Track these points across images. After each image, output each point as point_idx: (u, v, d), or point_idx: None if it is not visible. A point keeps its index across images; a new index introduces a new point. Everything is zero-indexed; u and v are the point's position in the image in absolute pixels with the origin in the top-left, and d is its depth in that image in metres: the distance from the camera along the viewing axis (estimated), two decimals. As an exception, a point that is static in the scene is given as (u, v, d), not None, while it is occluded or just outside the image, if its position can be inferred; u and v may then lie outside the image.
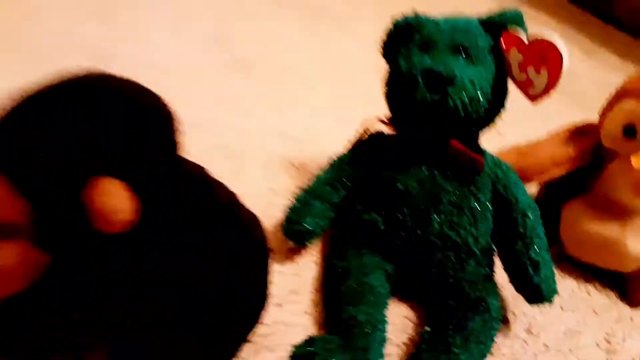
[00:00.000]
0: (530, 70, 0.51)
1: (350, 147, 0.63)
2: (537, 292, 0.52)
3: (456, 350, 0.48)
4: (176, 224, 0.40)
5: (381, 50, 0.60)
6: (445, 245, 0.53)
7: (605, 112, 0.60)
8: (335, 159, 0.62)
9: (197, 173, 0.46)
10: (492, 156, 0.58)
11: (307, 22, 1.22)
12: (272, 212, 0.66)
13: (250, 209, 0.54)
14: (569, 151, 0.62)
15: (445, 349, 0.48)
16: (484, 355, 0.50)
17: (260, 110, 0.87)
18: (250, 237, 0.48)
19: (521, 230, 0.54)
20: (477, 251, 0.54)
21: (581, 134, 0.64)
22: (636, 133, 0.56)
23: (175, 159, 0.39)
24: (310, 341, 0.48)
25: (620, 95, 0.58)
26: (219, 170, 0.71)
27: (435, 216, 0.53)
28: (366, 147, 0.60)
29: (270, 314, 0.54)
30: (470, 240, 0.54)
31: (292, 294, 0.57)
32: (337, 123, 0.87)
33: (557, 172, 0.62)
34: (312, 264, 0.61)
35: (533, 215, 0.54)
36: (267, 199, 0.68)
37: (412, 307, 0.58)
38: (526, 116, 0.97)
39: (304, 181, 0.72)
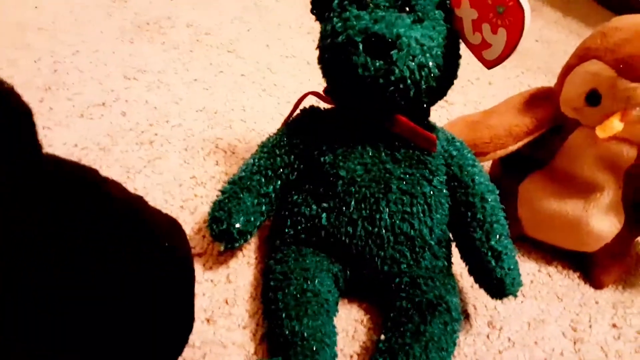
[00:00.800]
0: (486, 29, 0.43)
1: (282, 126, 0.54)
2: (500, 287, 0.46)
3: (416, 361, 0.41)
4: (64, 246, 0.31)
5: (311, 5, 0.51)
6: (398, 239, 0.46)
7: (564, 75, 0.54)
8: (266, 140, 0.53)
9: (79, 177, 0.36)
10: (444, 132, 0.51)
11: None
12: (196, 206, 0.58)
13: (162, 212, 0.45)
14: (526, 121, 0.56)
15: (404, 362, 0.41)
16: (449, 357, 0.43)
17: (175, 83, 0.76)
18: (165, 249, 0.38)
19: (480, 216, 0.47)
20: (433, 243, 0.47)
21: (540, 100, 0.57)
22: (600, 99, 0.49)
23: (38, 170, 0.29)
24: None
25: (582, 55, 0.52)
26: (132, 158, 0.62)
27: (385, 206, 0.46)
28: (300, 125, 0.52)
29: (200, 333, 0.46)
30: (425, 231, 0.47)
31: (226, 305, 0.49)
32: (266, 94, 0.78)
33: (514, 146, 0.56)
34: (247, 266, 0.53)
35: (492, 199, 0.48)
36: (190, 191, 0.59)
37: (365, 309, 0.51)
38: (477, 82, 0.92)
39: (232, 167, 0.64)
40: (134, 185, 0.58)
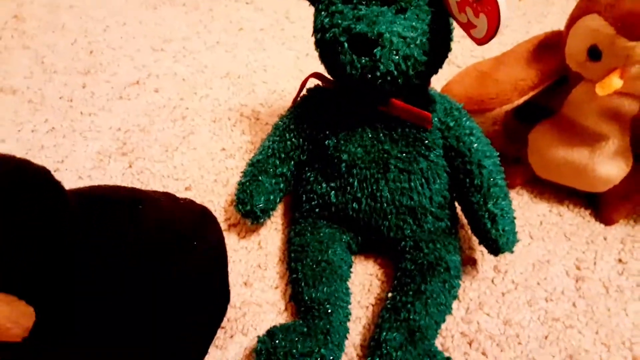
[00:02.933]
0: (469, 12, 0.44)
1: (291, 107, 0.58)
2: (495, 246, 0.51)
3: (416, 317, 0.48)
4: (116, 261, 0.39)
5: None
6: (399, 210, 0.51)
7: (569, 26, 0.53)
8: (277, 123, 0.58)
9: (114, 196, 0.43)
10: (442, 103, 0.53)
11: None
12: (228, 179, 0.65)
13: (193, 204, 0.52)
14: (531, 75, 0.56)
15: (405, 317, 0.48)
16: (445, 315, 0.50)
17: (199, 49, 0.80)
18: (192, 249, 0.46)
19: (477, 182, 0.51)
20: (434, 209, 0.52)
21: (547, 50, 0.57)
22: (601, 55, 0.49)
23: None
24: (271, 335, 0.48)
25: (584, 8, 0.50)
26: (169, 136, 0.69)
27: (385, 184, 0.50)
28: (306, 109, 0.56)
29: (239, 295, 0.55)
30: (425, 201, 0.51)
31: (259, 269, 0.57)
32: (285, 48, 0.80)
33: (519, 100, 0.57)
34: (275, 232, 0.60)
35: (490, 164, 0.51)
36: (222, 164, 0.66)
37: (380, 264, 0.58)
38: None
39: (257, 135, 0.69)
40: (173, 163, 0.66)
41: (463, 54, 0.77)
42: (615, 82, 0.48)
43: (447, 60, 0.51)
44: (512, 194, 0.63)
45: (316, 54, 0.51)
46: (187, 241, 0.45)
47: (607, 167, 0.56)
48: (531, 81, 0.56)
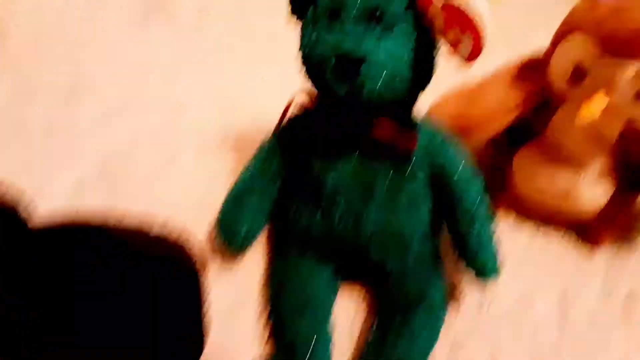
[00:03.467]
0: (455, 32, 0.43)
1: (276, 129, 0.57)
2: (482, 271, 0.50)
3: (400, 353, 0.46)
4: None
5: (290, 7, 0.52)
6: (384, 238, 0.50)
7: (553, 44, 0.52)
8: (262, 145, 0.57)
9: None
10: (427, 126, 0.52)
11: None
12: (212, 205, 0.63)
13: (165, 238, 0.50)
14: (516, 97, 0.55)
15: (389, 353, 0.46)
16: (430, 350, 0.48)
17: (185, 70, 0.79)
18: (177, 279, 0.44)
19: (462, 207, 0.50)
20: (419, 235, 0.51)
21: (529, 72, 0.56)
22: (585, 75, 0.48)
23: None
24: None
25: (567, 27, 0.50)
26: (152, 162, 0.67)
27: (371, 209, 0.49)
28: (289, 131, 0.55)
29: (216, 334, 0.51)
30: (410, 228, 0.50)
31: (237, 306, 0.54)
32: (272, 68, 0.79)
33: (504, 122, 0.56)
34: (255, 264, 0.58)
35: (475, 189, 0.50)
36: (206, 190, 0.64)
37: (364, 293, 0.55)
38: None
39: (243, 159, 0.67)
40: (155, 189, 0.64)
41: (450, 73, 0.76)
42: (600, 102, 0.47)
43: (431, 83, 0.51)
44: (496, 219, 0.61)
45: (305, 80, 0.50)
46: (161, 273, 0.44)
47: (591, 191, 0.55)
48: (515, 103, 0.55)
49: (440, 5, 0.42)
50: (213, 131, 0.71)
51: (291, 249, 0.54)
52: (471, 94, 0.60)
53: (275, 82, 0.77)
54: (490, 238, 0.49)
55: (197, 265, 0.49)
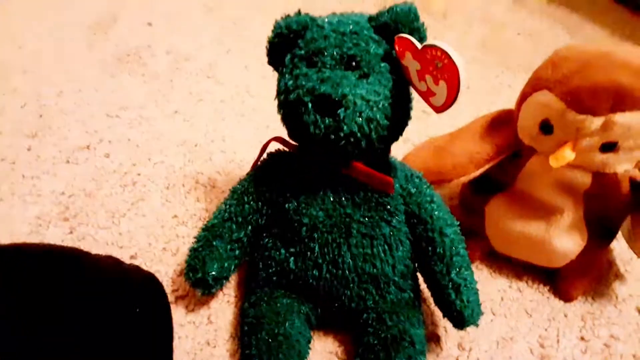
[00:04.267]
0: (429, 80, 0.45)
1: (251, 170, 0.57)
2: (460, 318, 0.49)
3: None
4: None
5: (268, 58, 0.53)
6: (362, 278, 0.49)
7: (520, 102, 0.55)
8: (236, 186, 0.56)
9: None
10: (403, 170, 0.53)
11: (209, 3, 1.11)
12: (178, 247, 0.61)
13: (138, 270, 0.48)
14: (486, 148, 0.57)
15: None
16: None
17: (156, 117, 0.78)
18: (145, 315, 0.42)
19: (440, 250, 0.49)
20: (397, 278, 0.50)
21: (500, 125, 0.59)
22: (553, 129, 0.51)
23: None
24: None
25: (534, 85, 0.53)
26: (116, 202, 0.65)
27: (347, 250, 0.48)
28: (266, 172, 0.54)
29: None
30: (388, 269, 0.49)
31: (207, 346, 0.52)
32: (245, 120, 0.80)
33: (475, 172, 0.58)
34: (227, 305, 0.56)
35: (452, 233, 0.50)
36: (172, 231, 0.62)
37: (340, 340, 0.54)
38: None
39: (212, 202, 0.66)
40: (119, 229, 0.62)
41: (419, 132, 0.79)
42: (567, 154, 0.49)
43: (402, 138, 0.52)
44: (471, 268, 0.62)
45: (276, 126, 0.50)
46: (128, 307, 0.41)
47: (563, 241, 0.56)
48: (487, 154, 0.57)
49: (414, 55, 0.44)
50: (180, 176, 0.69)
51: (267, 287, 0.52)
52: (442, 146, 0.61)
53: (246, 133, 0.78)
54: (469, 283, 0.49)
55: (167, 303, 0.46)
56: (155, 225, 0.63)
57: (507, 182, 0.58)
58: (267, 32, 0.51)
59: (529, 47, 1.10)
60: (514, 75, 0.99)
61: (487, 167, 0.57)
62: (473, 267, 0.62)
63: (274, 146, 0.56)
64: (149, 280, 0.45)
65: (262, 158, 0.56)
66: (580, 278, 0.60)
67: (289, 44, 0.50)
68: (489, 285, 0.61)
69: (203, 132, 0.77)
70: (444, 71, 0.42)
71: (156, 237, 0.61)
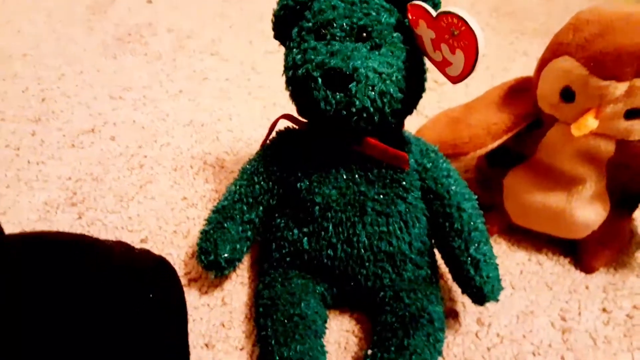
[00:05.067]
0: (445, 49, 0.43)
1: (260, 150, 0.55)
2: (479, 294, 0.48)
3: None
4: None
5: (274, 32, 0.51)
6: (377, 257, 0.48)
7: (539, 69, 0.53)
8: (245, 166, 0.54)
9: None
10: (418, 144, 0.51)
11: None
12: (189, 229, 0.60)
13: (149, 254, 0.47)
14: (504, 118, 0.55)
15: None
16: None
17: (161, 97, 0.77)
18: (159, 299, 0.41)
19: (458, 226, 0.48)
20: (413, 255, 0.49)
21: (518, 94, 0.56)
22: (575, 96, 0.49)
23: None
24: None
25: (554, 50, 0.51)
26: (124, 185, 0.64)
27: (362, 228, 0.47)
28: (276, 151, 0.53)
29: (200, 358, 0.48)
30: (404, 246, 0.48)
31: (223, 328, 0.51)
32: (251, 98, 0.78)
33: (493, 144, 0.55)
34: (241, 286, 0.55)
35: (470, 207, 0.49)
36: (182, 214, 0.61)
37: (357, 319, 0.53)
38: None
39: (221, 183, 0.65)
40: (128, 213, 0.61)
41: (431, 103, 0.77)
42: (590, 122, 0.47)
43: (415, 111, 0.50)
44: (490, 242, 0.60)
45: (284, 103, 0.49)
46: (142, 292, 0.40)
47: (585, 212, 0.54)
48: (504, 125, 0.55)
49: (428, 24, 0.42)
50: (187, 157, 0.68)
51: (280, 268, 0.51)
52: (458, 117, 0.59)
53: (253, 111, 0.76)
54: (488, 258, 0.48)
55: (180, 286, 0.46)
56: (164, 208, 0.62)
57: (525, 153, 0.56)
58: (272, 4, 0.49)
59: (544, 11, 1.06)
60: (530, 41, 0.96)
61: (505, 138, 0.55)
62: (491, 241, 0.61)
63: (282, 124, 0.54)
64: (161, 265, 0.44)
65: (271, 136, 0.55)
66: (602, 249, 0.58)
67: (295, 17, 0.47)
68: (508, 259, 0.59)
69: (209, 111, 0.75)
70: (460, 39, 0.40)
71: (166, 220, 0.60)
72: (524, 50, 0.93)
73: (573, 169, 0.53)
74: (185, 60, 0.84)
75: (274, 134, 0.55)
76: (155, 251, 0.55)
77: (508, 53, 0.93)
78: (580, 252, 0.59)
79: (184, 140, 0.70)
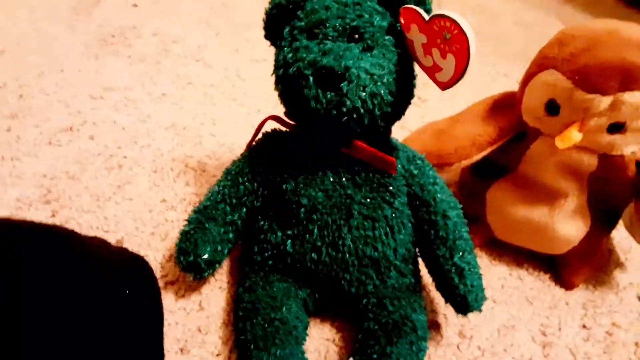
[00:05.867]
0: (436, 54, 0.43)
1: (245, 151, 0.54)
2: (464, 303, 0.47)
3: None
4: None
5: (264, 31, 0.51)
6: (362, 262, 0.47)
7: (525, 83, 0.53)
8: (230, 167, 0.53)
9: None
10: (405, 151, 0.51)
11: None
12: (167, 232, 0.58)
13: (126, 252, 0.45)
14: (489, 130, 0.56)
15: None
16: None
17: (143, 99, 0.75)
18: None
19: (442, 233, 0.48)
20: (398, 262, 0.48)
21: (503, 108, 0.57)
22: (559, 109, 0.49)
23: None
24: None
25: (540, 64, 0.51)
26: (101, 185, 0.62)
27: (347, 232, 0.46)
28: (262, 152, 0.52)
29: None
30: (389, 252, 0.47)
31: (199, 333, 0.49)
32: (236, 104, 0.77)
33: (478, 155, 0.56)
34: (219, 291, 0.54)
35: (454, 215, 0.48)
36: (161, 216, 0.60)
37: (337, 327, 0.52)
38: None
39: (202, 187, 0.64)
40: (104, 213, 0.58)
41: (415, 119, 0.77)
42: (574, 135, 0.48)
43: (399, 124, 0.50)
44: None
45: (269, 110, 0.48)
46: (118, 290, 0.38)
47: (566, 227, 0.55)
48: (489, 137, 0.55)
49: (420, 28, 0.42)
50: (168, 159, 0.66)
51: (262, 271, 0.50)
52: (443, 129, 0.60)
53: (237, 117, 0.76)
54: (472, 267, 0.47)
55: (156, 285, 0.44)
56: (142, 210, 0.60)
57: (509, 166, 0.57)
58: (259, 13, 0.49)
59: (523, 37, 1.09)
60: (510, 64, 0.98)
61: (489, 150, 0.56)
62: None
63: (270, 126, 0.54)
64: (138, 262, 0.43)
65: (257, 138, 0.54)
66: (582, 265, 0.58)
67: (287, 16, 0.47)
68: (490, 273, 0.59)
69: (192, 115, 0.74)
70: (452, 43, 0.40)
71: (144, 222, 0.58)
72: (505, 72, 0.96)
73: (556, 182, 0.53)
74: (170, 64, 0.83)
75: (260, 135, 0.54)
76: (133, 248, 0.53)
77: (490, 74, 0.95)
78: (560, 268, 0.59)
79: (165, 142, 0.69)
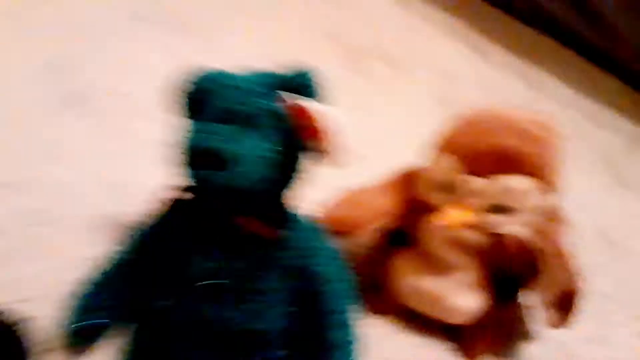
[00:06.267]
0: (316, 137, 0.45)
1: (145, 219, 0.56)
2: None
3: None
4: None
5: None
6: (239, 336, 0.48)
7: (422, 165, 0.57)
8: (127, 235, 0.55)
9: None
10: (297, 221, 0.52)
11: (166, 39, 1.11)
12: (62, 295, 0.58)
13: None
14: (392, 201, 0.58)
15: None
16: None
17: (92, 156, 0.78)
18: None
19: (321, 307, 0.49)
20: (276, 336, 0.49)
21: (405, 182, 0.60)
22: (447, 189, 0.52)
23: None
24: None
25: (436, 144, 0.55)
26: (28, 243, 0.63)
27: (225, 305, 0.47)
28: (158, 222, 0.54)
29: None
30: (267, 325, 0.48)
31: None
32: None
33: (380, 224, 0.58)
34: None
35: (339, 289, 0.50)
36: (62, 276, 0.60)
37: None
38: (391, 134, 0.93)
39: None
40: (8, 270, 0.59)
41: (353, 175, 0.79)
42: (456, 214, 0.50)
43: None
44: (374, 323, 0.60)
45: None
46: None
47: (463, 299, 0.56)
48: (392, 206, 0.58)
49: (300, 114, 0.45)
50: (95, 218, 0.68)
51: (149, 342, 0.51)
52: (357, 197, 0.62)
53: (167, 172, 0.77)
54: (347, 342, 0.48)
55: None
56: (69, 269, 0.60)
57: (412, 236, 0.59)
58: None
59: (484, 102, 1.10)
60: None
61: (392, 219, 0.58)
62: (376, 322, 0.61)
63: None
64: (9, 329, 0.44)
65: (157, 207, 0.56)
66: (484, 336, 0.59)
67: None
68: (392, 342, 0.60)
69: (128, 172, 0.76)
70: (323, 128, 0.43)
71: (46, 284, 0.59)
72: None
73: (446, 254, 0.55)
74: (117, 119, 0.86)
75: (160, 203, 0.56)
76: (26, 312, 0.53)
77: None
78: (462, 338, 0.60)
79: (96, 199, 0.71)
